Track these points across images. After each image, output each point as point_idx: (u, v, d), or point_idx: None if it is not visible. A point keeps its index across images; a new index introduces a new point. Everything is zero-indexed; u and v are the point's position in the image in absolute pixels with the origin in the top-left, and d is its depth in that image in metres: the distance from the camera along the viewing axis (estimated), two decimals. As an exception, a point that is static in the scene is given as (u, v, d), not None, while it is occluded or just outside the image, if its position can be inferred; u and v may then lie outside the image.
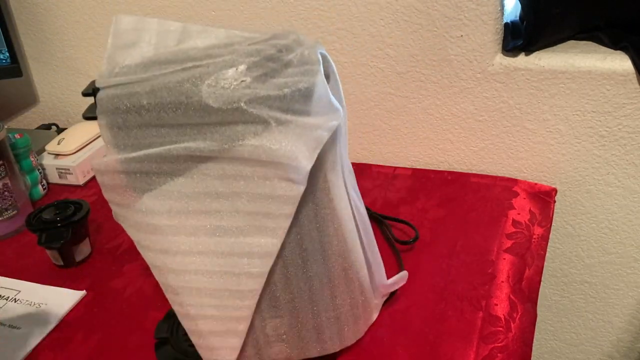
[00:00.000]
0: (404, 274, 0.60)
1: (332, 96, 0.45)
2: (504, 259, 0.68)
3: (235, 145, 0.42)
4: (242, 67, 0.41)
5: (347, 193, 0.49)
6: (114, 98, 0.43)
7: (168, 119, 0.43)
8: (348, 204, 0.49)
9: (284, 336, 0.51)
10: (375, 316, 0.59)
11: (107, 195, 0.46)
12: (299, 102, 0.42)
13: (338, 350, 0.55)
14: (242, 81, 0.41)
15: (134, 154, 0.44)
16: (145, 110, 0.43)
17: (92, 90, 0.47)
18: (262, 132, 0.41)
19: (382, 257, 0.70)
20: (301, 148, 0.42)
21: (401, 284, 0.61)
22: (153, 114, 0.43)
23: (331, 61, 0.47)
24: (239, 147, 0.42)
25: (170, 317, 0.61)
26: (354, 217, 0.51)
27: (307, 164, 0.42)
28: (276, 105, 0.41)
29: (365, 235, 0.53)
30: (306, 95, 0.42)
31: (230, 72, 0.41)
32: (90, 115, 0.48)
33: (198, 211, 0.45)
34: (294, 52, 0.44)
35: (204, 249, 0.46)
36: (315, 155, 0.43)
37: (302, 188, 0.43)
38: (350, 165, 0.53)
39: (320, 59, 0.45)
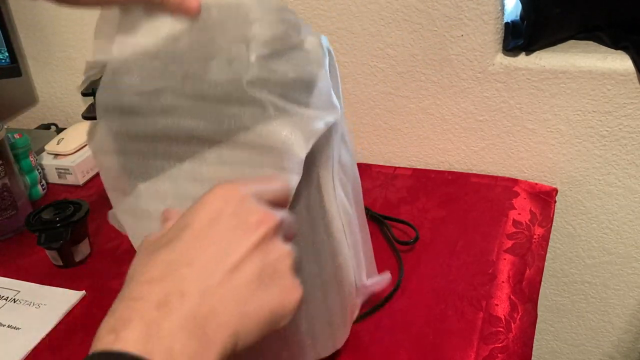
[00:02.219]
0: (385, 276, 0.58)
1: (332, 92, 0.45)
2: (505, 259, 0.68)
3: (232, 127, 0.41)
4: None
5: (335, 191, 0.49)
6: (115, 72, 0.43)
7: (170, 90, 0.42)
8: (335, 201, 0.49)
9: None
10: (355, 314, 0.58)
11: (103, 177, 0.46)
12: (299, 91, 0.42)
13: (330, 353, 0.55)
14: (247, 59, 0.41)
15: (129, 128, 0.43)
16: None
17: (91, 90, 0.46)
18: (260, 117, 0.41)
19: (383, 257, 0.70)
20: (297, 136, 0.41)
21: (383, 286, 0.58)
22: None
23: (334, 57, 0.46)
24: (235, 129, 0.41)
25: None
26: (341, 216, 0.51)
27: (301, 152, 0.41)
28: (277, 91, 0.41)
29: (350, 236, 0.53)
30: (308, 85, 0.42)
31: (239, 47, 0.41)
32: (89, 115, 0.48)
33: (194, 199, 0.45)
34: (301, 35, 0.43)
35: None
36: (310, 146, 0.42)
37: (296, 179, 0.42)
38: (349, 164, 0.52)
39: (327, 51, 0.44)
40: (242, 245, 0.32)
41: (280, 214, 0.35)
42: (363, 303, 0.57)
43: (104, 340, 0.27)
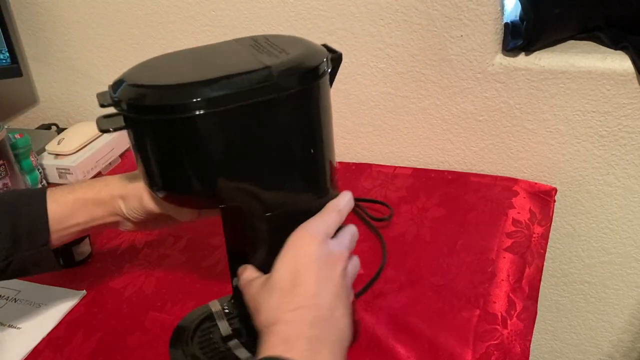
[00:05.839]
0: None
1: None
2: (504, 257, 0.69)
3: None
4: None
5: None
6: None
7: None
8: None
9: None
10: None
11: None
12: None
13: None
14: None
15: None
16: None
17: (110, 101, 0.45)
18: None
19: (363, 236, 0.72)
20: None
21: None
22: None
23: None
24: None
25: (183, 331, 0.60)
26: None
27: None
28: None
29: None
30: None
31: None
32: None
33: None
34: None
35: None
36: None
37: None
38: None
39: None
40: (333, 289, 0.44)
41: (346, 249, 0.47)
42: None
43: (277, 349, 0.39)
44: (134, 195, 0.54)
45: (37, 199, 0.54)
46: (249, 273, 0.49)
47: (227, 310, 0.59)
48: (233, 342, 0.55)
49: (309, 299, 0.43)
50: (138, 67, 0.47)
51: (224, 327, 0.56)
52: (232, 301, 0.56)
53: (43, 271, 0.57)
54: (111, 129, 0.44)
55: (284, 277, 0.44)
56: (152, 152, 0.45)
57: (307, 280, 0.43)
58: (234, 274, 0.53)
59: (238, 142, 0.43)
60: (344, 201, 0.48)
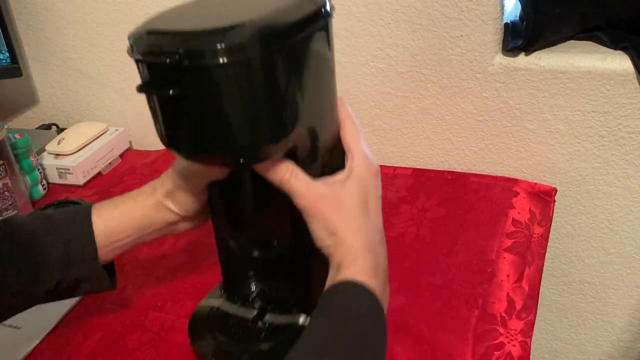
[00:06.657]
0: None
1: None
2: (504, 258, 0.69)
3: None
4: None
5: None
6: None
7: None
8: None
9: None
10: None
11: None
12: None
13: None
14: None
15: None
16: None
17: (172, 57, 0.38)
18: None
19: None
20: None
21: None
22: None
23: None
24: None
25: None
26: None
27: None
28: None
29: None
30: None
31: None
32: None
33: None
34: None
35: None
36: None
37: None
38: None
39: None
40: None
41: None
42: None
43: (367, 275, 0.44)
44: (177, 187, 0.53)
45: (83, 216, 0.53)
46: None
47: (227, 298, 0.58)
48: (269, 317, 0.54)
49: (381, 233, 0.48)
50: (163, 19, 0.44)
51: (245, 312, 0.54)
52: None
53: (95, 289, 0.55)
54: (171, 92, 0.38)
55: (366, 207, 0.47)
56: (230, 102, 0.39)
57: (379, 214, 0.49)
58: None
59: (304, 78, 0.44)
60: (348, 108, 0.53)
